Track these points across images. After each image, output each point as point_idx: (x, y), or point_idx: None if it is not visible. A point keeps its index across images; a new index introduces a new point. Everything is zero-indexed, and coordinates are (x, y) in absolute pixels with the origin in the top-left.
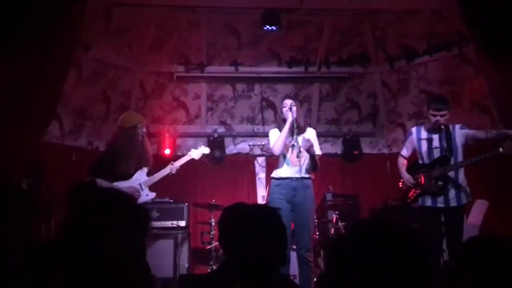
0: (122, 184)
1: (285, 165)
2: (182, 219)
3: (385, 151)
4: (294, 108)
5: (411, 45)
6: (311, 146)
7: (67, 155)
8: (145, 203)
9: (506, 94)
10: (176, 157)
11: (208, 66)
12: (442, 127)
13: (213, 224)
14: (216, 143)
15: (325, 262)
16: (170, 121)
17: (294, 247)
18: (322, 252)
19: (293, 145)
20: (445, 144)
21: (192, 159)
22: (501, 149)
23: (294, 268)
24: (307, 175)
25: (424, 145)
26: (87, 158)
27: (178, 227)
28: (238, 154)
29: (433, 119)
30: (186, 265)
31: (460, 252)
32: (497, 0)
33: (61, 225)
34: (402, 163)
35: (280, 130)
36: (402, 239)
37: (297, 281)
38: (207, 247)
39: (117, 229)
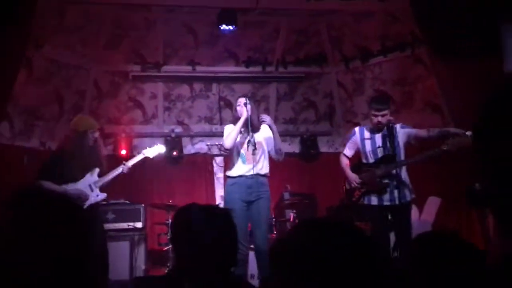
0: (69, 187)
1: (240, 162)
2: (139, 220)
3: (342, 149)
4: (248, 106)
5: (366, 46)
6: (271, 124)
7: (18, 156)
8: (97, 203)
9: (457, 94)
10: (132, 158)
11: (165, 66)
12: (384, 126)
13: (170, 225)
14: (173, 143)
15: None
16: (127, 121)
17: (252, 246)
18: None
19: (248, 141)
20: (388, 143)
21: (147, 159)
22: (444, 147)
23: (253, 267)
24: (262, 172)
25: (368, 145)
26: (39, 159)
27: (135, 229)
28: (196, 154)
29: (374, 119)
30: (143, 267)
31: (411, 248)
32: (449, 2)
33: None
34: (346, 163)
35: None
36: (348, 238)
37: (255, 280)
38: (164, 249)
39: (51, 235)
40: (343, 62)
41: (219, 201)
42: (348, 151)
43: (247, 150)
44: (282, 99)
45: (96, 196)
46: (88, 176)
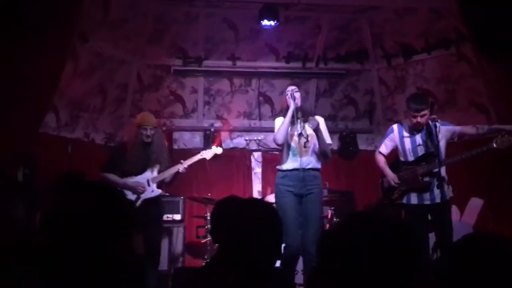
0: (129, 180)
1: (291, 156)
2: (178, 213)
3: None
4: (297, 95)
5: (409, 43)
6: (318, 125)
7: (63, 146)
8: (152, 199)
9: (503, 93)
10: (172, 151)
11: (206, 60)
12: (424, 126)
13: (209, 218)
14: (212, 137)
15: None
16: (167, 115)
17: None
18: None
19: (300, 134)
20: (429, 141)
21: (204, 160)
22: (494, 144)
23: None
24: (315, 166)
25: (408, 143)
26: (83, 150)
27: (174, 221)
28: (234, 148)
29: (413, 120)
30: (181, 259)
31: (456, 250)
32: None
33: (44, 217)
34: (383, 161)
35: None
36: (393, 233)
37: (299, 276)
38: (202, 241)
39: (99, 223)
40: (385, 59)
41: (256, 196)
42: (385, 148)
43: (298, 142)
44: (322, 95)
45: (151, 191)
46: (148, 171)
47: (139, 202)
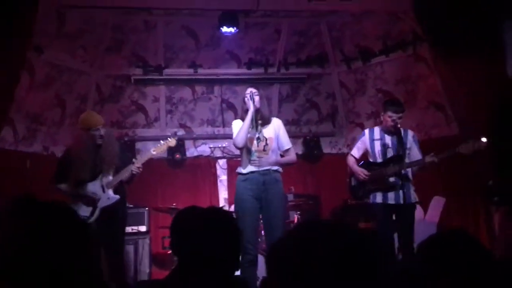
0: (81, 189)
1: (251, 159)
2: (143, 224)
3: (345, 150)
4: (256, 98)
5: (367, 46)
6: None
7: (21, 161)
8: (111, 206)
9: (460, 92)
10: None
11: (167, 69)
12: (396, 129)
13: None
14: (176, 146)
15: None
16: (129, 125)
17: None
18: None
19: (258, 138)
20: (398, 145)
21: (151, 159)
22: (459, 149)
23: (262, 269)
24: (275, 168)
25: (378, 145)
26: (42, 164)
27: (139, 232)
28: (199, 156)
29: (390, 122)
30: (147, 271)
31: (421, 250)
32: (450, 0)
33: None
34: (353, 161)
35: (243, 121)
36: (348, 240)
37: None
38: (169, 252)
39: (53, 244)
40: (345, 62)
41: (223, 203)
42: (356, 151)
43: (257, 146)
44: (284, 100)
45: (107, 199)
46: (101, 177)
47: (96, 213)
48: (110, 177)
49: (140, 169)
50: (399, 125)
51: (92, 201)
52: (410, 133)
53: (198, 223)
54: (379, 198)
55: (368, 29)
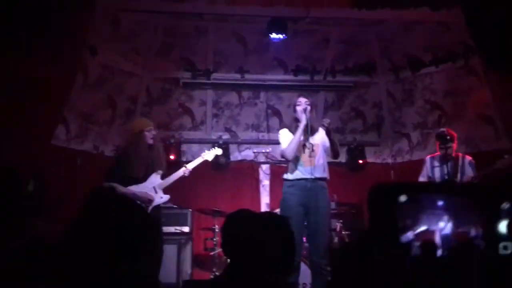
0: (135, 188)
1: (298, 166)
2: (186, 225)
3: (389, 160)
4: (308, 108)
5: (416, 56)
6: (329, 124)
7: (73, 158)
8: (159, 205)
9: (510, 105)
10: (180, 163)
11: (214, 73)
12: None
13: (217, 230)
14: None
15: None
16: (176, 127)
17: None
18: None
19: (304, 145)
20: (453, 172)
21: (205, 161)
22: (496, 165)
23: (305, 276)
24: (322, 176)
25: (437, 172)
26: (92, 162)
27: (182, 233)
28: (242, 161)
29: (441, 151)
30: (189, 271)
31: None
32: (503, 11)
33: (71, 228)
34: None
35: (291, 131)
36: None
37: None
38: (210, 254)
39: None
40: (393, 72)
41: (264, 208)
42: (422, 178)
43: (303, 152)
44: (330, 108)
45: (160, 198)
46: (151, 177)
47: (149, 211)
48: (159, 178)
49: (190, 173)
50: (452, 154)
51: (146, 201)
52: (467, 160)
53: (253, 227)
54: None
55: (418, 39)
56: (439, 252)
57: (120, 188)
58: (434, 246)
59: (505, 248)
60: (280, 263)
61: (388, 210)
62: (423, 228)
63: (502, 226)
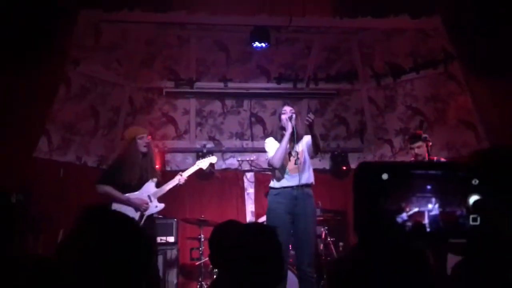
0: (131, 196)
1: (283, 174)
2: (171, 235)
3: None
4: (294, 116)
5: (397, 63)
6: (312, 120)
7: (55, 170)
8: (153, 214)
9: (491, 111)
10: (164, 172)
11: (198, 82)
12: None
13: (202, 240)
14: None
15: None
16: (159, 137)
17: (291, 260)
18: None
19: (290, 153)
20: None
21: (200, 170)
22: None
23: (292, 284)
24: (307, 182)
25: None
26: (75, 173)
27: (167, 243)
28: (227, 169)
29: (412, 151)
30: (175, 281)
31: None
32: (481, 17)
33: (65, 244)
34: None
35: (276, 139)
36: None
37: None
38: (196, 263)
39: (122, 255)
40: (374, 78)
41: (249, 216)
42: None
43: (289, 160)
44: (313, 115)
45: (155, 207)
46: (146, 186)
47: (143, 220)
48: (154, 187)
49: (185, 181)
50: (425, 156)
51: (141, 208)
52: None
53: (241, 238)
54: None
55: (399, 46)
56: (428, 230)
57: (115, 193)
58: (424, 225)
59: (475, 220)
60: (268, 274)
61: (372, 186)
62: (415, 209)
63: (471, 200)
